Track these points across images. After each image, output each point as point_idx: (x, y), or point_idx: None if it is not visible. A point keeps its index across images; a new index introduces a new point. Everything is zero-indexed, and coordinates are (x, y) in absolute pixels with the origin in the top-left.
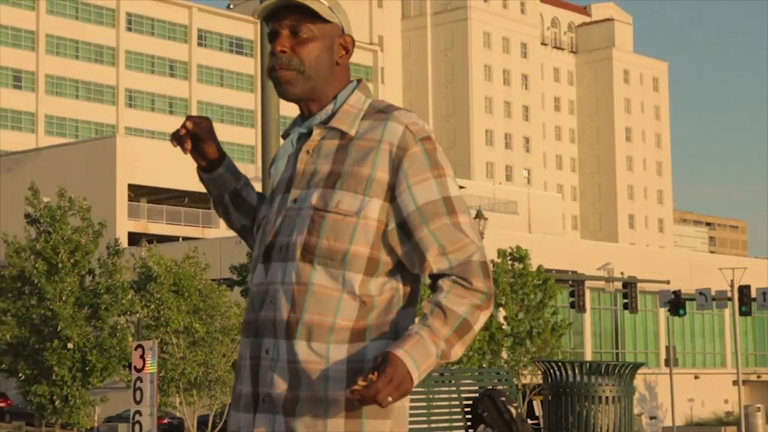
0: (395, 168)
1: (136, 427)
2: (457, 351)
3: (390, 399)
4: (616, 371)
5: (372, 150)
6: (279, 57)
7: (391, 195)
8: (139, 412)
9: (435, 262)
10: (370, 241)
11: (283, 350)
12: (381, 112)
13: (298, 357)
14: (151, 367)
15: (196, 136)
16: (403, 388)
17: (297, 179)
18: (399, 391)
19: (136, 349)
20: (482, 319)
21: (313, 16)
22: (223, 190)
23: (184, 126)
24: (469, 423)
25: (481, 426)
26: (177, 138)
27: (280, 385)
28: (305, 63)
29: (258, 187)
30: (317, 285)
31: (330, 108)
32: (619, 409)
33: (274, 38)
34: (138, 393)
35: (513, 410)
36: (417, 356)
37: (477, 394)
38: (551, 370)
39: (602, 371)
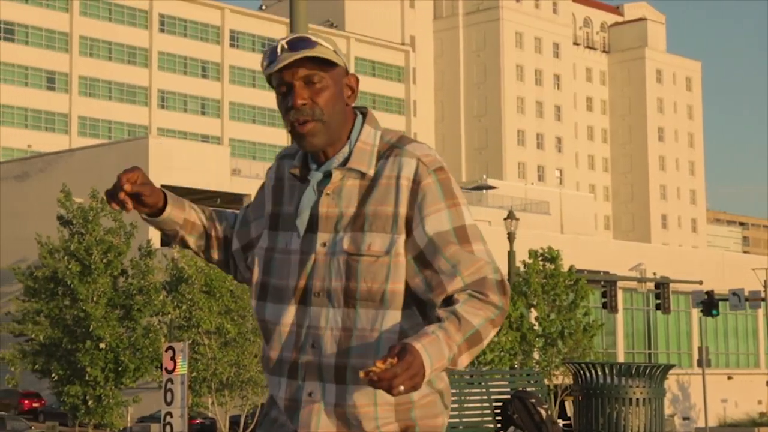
0: (412, 202)
1: (167, 428)
2: (464, 361)
3: (402, 388)
4: (647, 373)
5: (391, 188)
6: (301, 110)
7: (408, 228)
8: (170, 414)
9: (450, 286)
10: (402, 276)
11: (331, 394)
12: (393, 147)
13: (346, 402)
14: (182, 368)
15: (135, 194)
16: (415, 381)
17: (321, 222)
18: (412, 382)
19: (166, 351)
20: (492, 333)
21: (323, 63)
22: (174, 225)
23: (121, 188)
24: (499, 425)
25: (511, 428)
26: (116, 200)
27: (329, 428)
28: (325, 112)
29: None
30: (360, 329)
31: (346, 150)
32: (650, 410)
33: (287, 91)
34: (169, 394)
35: (543, 412)
36: (432, 353)
37: (508, 396)
38: (582, 372)
39: (633, 373)
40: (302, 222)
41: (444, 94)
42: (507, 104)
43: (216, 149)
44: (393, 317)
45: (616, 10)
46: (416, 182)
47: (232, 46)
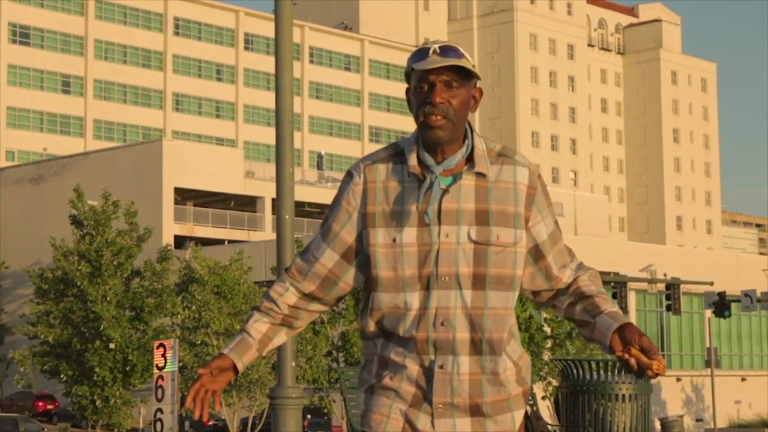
0: (529, 203)
1: (158, 424)
2: None
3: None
4: None
5: (510, 191)
6: (438, 106)
7: (526, 225)
8: (160, 410)
9: (562, 274)
10: (523, 264)
11: (464, 364)
12: (501, 155)
13: (484, 370)
14: (171, 365)
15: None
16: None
17: (443, 216)
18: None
19: (157, 348)
20: None
21: (463, 73)
22: (261, 351)
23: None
24: None
25: None
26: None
27: (464, 394)
28: (456, 114)
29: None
30: (491, 308)
31: (464, 150)
32: (636, 407)
33: (429, 89)
34: (159, 391)
35: (528, 408)
36: None
37: None
38: (569, 368)
39: (619, 369)
40: (433, 212)
41: None
42: (521, 106)
43: (230, 152)
44: (515, 298)
45: (631, 11)
46: (532, 187)
47: (246, 49)
